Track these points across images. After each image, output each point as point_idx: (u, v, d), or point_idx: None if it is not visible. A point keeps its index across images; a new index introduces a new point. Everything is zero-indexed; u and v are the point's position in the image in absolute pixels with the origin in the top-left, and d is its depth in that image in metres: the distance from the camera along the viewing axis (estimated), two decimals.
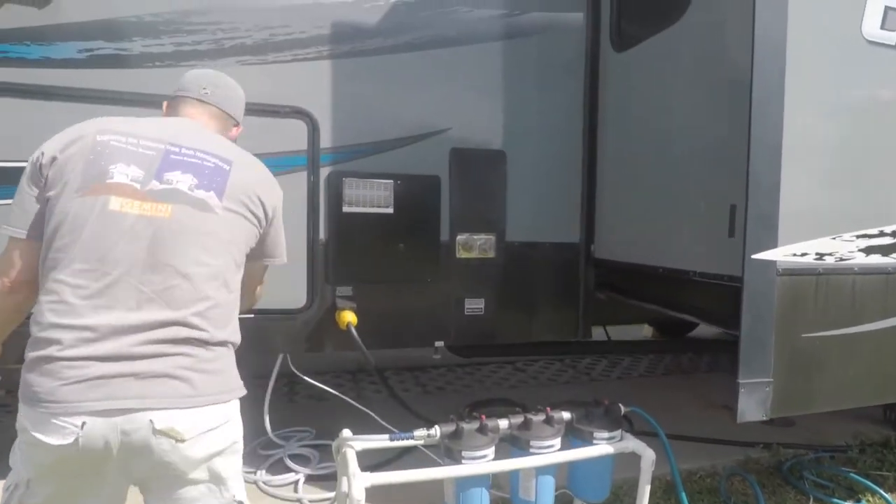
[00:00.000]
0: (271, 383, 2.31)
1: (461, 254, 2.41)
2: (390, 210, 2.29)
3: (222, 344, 1.14)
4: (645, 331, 5.12)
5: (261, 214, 1.23)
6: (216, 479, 1.13)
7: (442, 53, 2.35)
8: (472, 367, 4.12)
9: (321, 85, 2.20)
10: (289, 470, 2.32)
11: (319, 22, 2.19)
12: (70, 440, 0.98)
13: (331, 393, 2.38)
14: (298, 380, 2.36)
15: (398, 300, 2.36)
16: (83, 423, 0.98)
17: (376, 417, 2.23)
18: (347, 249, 2.27)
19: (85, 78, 1.94)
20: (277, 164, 2.14)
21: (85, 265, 1.03)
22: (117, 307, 1.03)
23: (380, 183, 2.27)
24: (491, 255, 2.45)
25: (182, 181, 1.12)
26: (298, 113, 2.18)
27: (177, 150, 1.15)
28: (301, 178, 2.19)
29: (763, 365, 1.63)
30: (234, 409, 1.16)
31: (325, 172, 2.23)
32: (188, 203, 1.11)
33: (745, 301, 1.62)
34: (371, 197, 2.26)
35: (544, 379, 4.00)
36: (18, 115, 1.80)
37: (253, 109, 2.10)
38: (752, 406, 1.63)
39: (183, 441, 1.04)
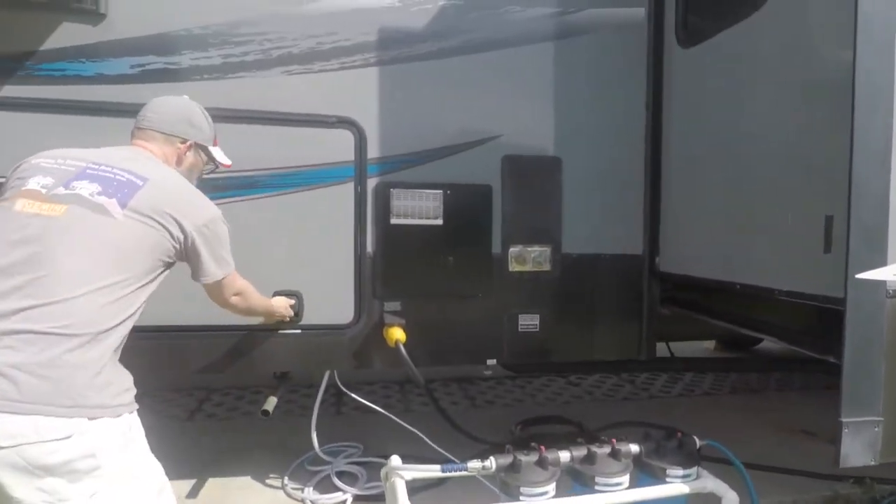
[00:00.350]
0: (318, 400, 2.25)
1: (514, 267, 2.28)
2: (440, 221, 2.19)
3: (78, 346, 1.06)
4: (707, 345, 4.80)
5: (174, 230, 1.27)
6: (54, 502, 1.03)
7: (492, 56, 2.24)
8: (522, 381, 3.97)
9: (368, 93, 2.13)
10: (336, 489, 2.26)
11: (366, 28, 2.12)
12: None
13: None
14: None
15: (448, 316, 2.25)
16: None
17: (426, 439, 2.13)
18: (395, 263, 2.18)
19: (137, 93, 1.93)
20: (323, 175, 2.10)
21: None
22: None
23: (429, 193, 2.17)
24: (546, 268, 2.31)
25: (85, 188, 1.20)
26: (345, 122, 2.11)
27: (96, 167, 1.25)
28: (348, 190, 2.12)
29: (871, 401, 1.41)
30: (88, 426, 1.05)
31: (372, 183, 2.15)
32: (84, 206, 1.17)
33: (848, 327, 1.41)
34: (420, 208, 2.17)
35: (600, 395, 3.80)
36: (72, 132, 1.80)
37: (298, 120, 2.09)
38: (858, 449, 1.42)
39: None
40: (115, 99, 1.90)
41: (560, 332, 2.35)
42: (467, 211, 2.23)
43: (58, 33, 1.88)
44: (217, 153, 1.67)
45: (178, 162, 1.51)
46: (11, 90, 1.86)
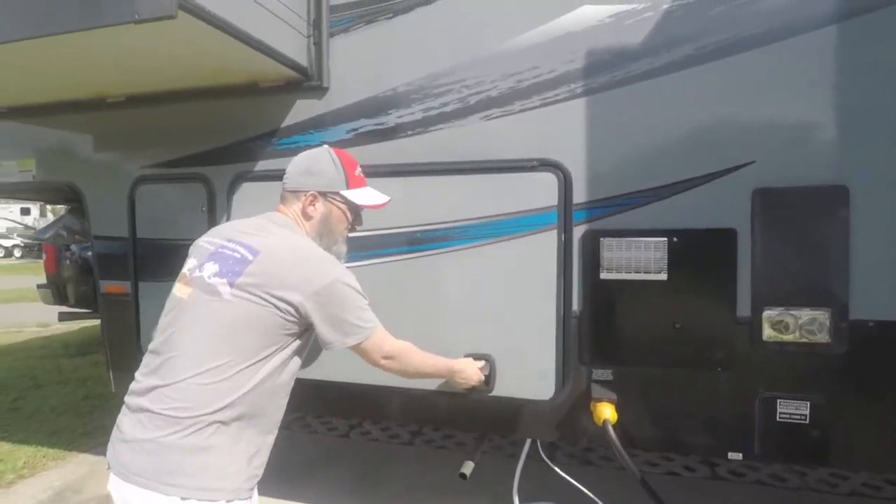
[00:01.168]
0: (518, 469, 2.07)
1: (770, 335, 1.71)
2: (663, 276, 1.78)
3: (181, 429, 1.13)
4: None
5: (280, 303, 1.21)
6: None
7: (734, 62, 1.72)
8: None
9: (573, 128, 1.86)
10: None
11: (571, 55, 1.85)
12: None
13: (592, 466, 2.02)
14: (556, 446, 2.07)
15: (674, 393, 1.83)
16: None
17: None
18: (607, 325, 1.86)
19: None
20: (522, 224, 1.91)
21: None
22: (140, 373, 1.24)
23: (648, 242, 1.79)
24: (822, 338, 1.68)
25: (208, 269, 1.25)
26: (547, 164, 1.88)
27: (225, 244, 1.29)
28: (550, 239, 1.89)
29: None
30: None
31: (578, 231, 1.87)
32: (202, 288, 1.23)
33: None
34: (637, 260, 1.80)
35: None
36: None
37: (497, 167, 1.94)
38: None
39: None
40: None
41: (844, 428, 1.69)
42: (701, 262, 1.77)
43: (293, 111, 2.13)
44: (356, 195, 1.46)
45: (307, 217, 1.40)
46: (262, 164, 2.18)
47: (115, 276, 2.42)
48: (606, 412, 1.76)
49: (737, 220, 1.73)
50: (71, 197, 3.00)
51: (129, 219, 2.38)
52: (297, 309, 1.22)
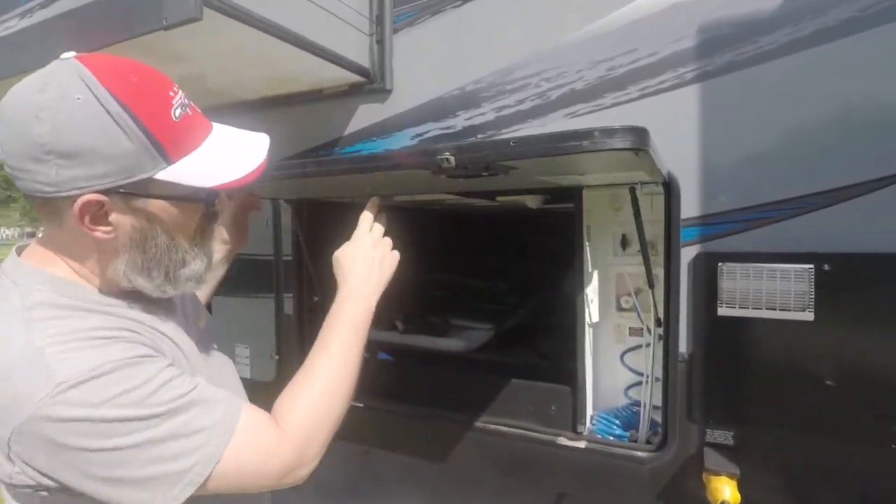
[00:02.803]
0: None
1: None
2: (808, 315, 1.34)
3: None
4: None
5: None
6: None
7: None
8: None
9: (682, 122, 1.47)
10: None
11: (679, 31, 1.47)
12: None
13: None
14: None
15: (823, 472, 1.37)
16: None
17: None
18: (727, 374, 1.45)
19: None
20: None
21: None
22: None
23: (787, 271, 1.36)
24: None
25: None
26: None
27: None
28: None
29: None
30: None
31: (688, 254, 1.48)
32: None
33: None
34: (770, 293, 1.37)
35: None
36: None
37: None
38: None
39: None
40: None
41: None
42: (864, 299, 1.30)
43: (355, 118, 1.96)
44: (193, 169, 0.72)
45: (96, 246, 0.73)
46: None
47: None
48: (726, 491, 1.35)
49: None
50: None
51: None
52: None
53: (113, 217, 0.69)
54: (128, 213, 0.70)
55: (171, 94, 0.70)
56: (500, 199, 2.18)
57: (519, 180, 1.36)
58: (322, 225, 2.03)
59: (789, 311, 1.35)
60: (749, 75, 1.40)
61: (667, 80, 1.49)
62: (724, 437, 1.45)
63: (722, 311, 1.43)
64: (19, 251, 0.76)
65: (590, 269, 1.75)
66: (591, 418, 1.75)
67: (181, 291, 0.79)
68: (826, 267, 1.32)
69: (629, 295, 1.76)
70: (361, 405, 2.00)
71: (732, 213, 1.42)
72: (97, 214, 0.68)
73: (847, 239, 1.31)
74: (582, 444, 1.64)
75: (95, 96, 0.65)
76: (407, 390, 2.01)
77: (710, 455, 1.44)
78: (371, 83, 1.90)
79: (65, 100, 0.64)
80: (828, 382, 1.32)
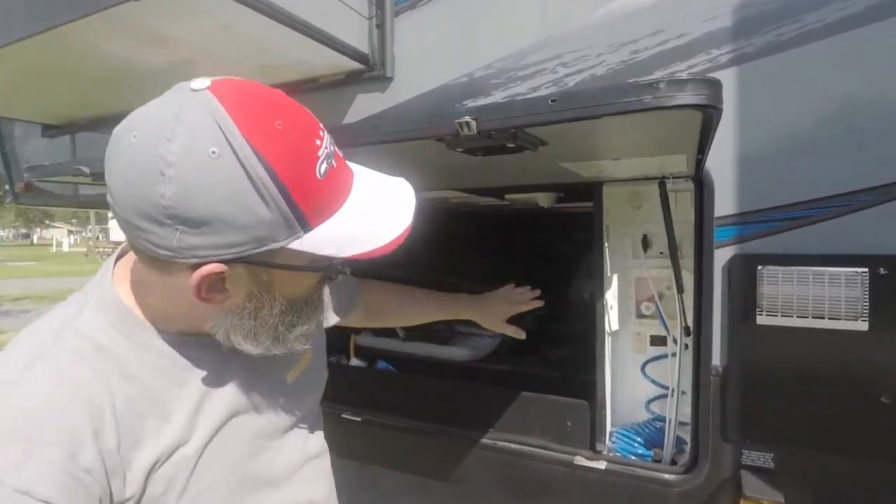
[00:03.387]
0: None
1: None
2: (861, 325, 1.19)
3: None
4: None
5: None
6: None
7: None
8: None
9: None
10: None
11: (711, 10, 1.33)
12: None
13: None
14: None
15: (882, 494, 1.23)
16: None
17: None
18: (767, 388, 1.31)
19: None
20: None
21: None
22: None
23: (836, 275, 1.21)
24: None
25: None
26: None
27: None
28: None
29: None
30: None
31: (723, 256, 1.34)
32: None
33: None
34: (817, 300, 1.23)
35: None
36: None
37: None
38: None
39: None
40: None
41: None
42: None
43: (353, 108, 1.81)
44: (335, 232, 0.60)
45: (204, 306, 0.62)
46: None
47: None
48: None
49: None
50: None
51: None
52: None
53: (229, 284, 0.59)
54: (247, 282, 0.61)
55: (318, 142, 0.58)
56: (509, 197, 2.04)
57: (541, 165, 1.20)
58: None
59: (839, 319, 1.21)
60: (792, 57, 1.26)
61: (698, 64, 1.34)
62: (764, 459, 1.31)
63: (762, 319, 1.28)
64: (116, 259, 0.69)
65: (609, 273, 1.60)
66: (611, 435, 1.60)
67: (288, 351, 0.67)
68: (882, 271, 1.18)
69: (650, 301, 1.62)
70: (359, 419, 1.86)
71: (773, 211, 1.28)
72: (215, 284, 0.59)
73: None
74: (602, 465, 1.49)
75: (234, 151, 0.52)
76: (408, 402, 1.87)
77: (748, 480, 1.29)
78: (370, 70, 1.74)
79: (196, 153, 0.52)
80: (883, 399, 1.18)
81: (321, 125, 0.62)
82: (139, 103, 0.59)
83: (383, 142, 0.82)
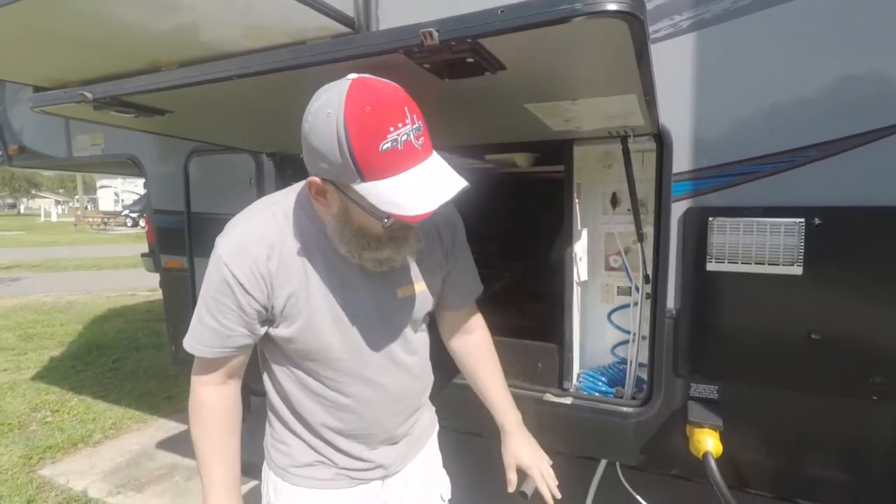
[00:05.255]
0: (591, 497, 1.74)
1: None
2: (797, 270, 1.33)
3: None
4: None
5: None
6: None
7: None
8: None
9: (673, 73, 1.43)
10: None
11: None
12: None
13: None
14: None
15: (805, 425, 1.39)
16: None
17: None
18: (713, 330, 1.45)
19: None
20: None
21: None
22: None
23: (777, 225, 1.34)
24: None
25: None
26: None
27: None
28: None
29: None
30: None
31: (678, 209, 1.46)
32: None
33: None
34: (760, 247, 1.36)
35: None
36: None
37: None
38: None
39: None
40: None
41: None
42: (854, 253, 1.29)
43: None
44: (378, 191, 0.87)
45: (320, 207, 1.05)
46: None
47: (174, 251, 2.38)
48: (708, 442, 1.37)
49: None
50: (136, 171, 3.03)
51: (185, 192, 2.30)
52: None
53: (328, 196, 0.96)
54: (337, 199, 0.95)
55: (392, 129, 0.84)
56: (489, 157, 2.14)
57: (511, 112, 1.27)
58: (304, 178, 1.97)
59: (779, 265, 1.35)
60: (744, 24, 1.35)
61: (662, 29, 1.44)
62: (709, 391, 1.47)
63: (711, 266, 1.42)
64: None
65: (579, 227, 1.72)
66: (578, 376, 1.75)
67: (364, 265, 1.02)
68: (816, 221, 1.31)
69: (618, 254, 1.75)
70: None
71: (724, 168, 1.40)
72: (320, 190, 0.95)
73: (839, 193, 1.29)
74: (568, 401, 1.64)
75: (336, 118, 0.84)
76: None
77: (693, 408, 1.45)
78: (356, 33, 1.81)
79: (322, 111, 0.86)
80: (813, 336, 1.32)
81: (415, 122, 0.86)
82: (128, 66, 0.70)
83: (354, 57, 0.90)
